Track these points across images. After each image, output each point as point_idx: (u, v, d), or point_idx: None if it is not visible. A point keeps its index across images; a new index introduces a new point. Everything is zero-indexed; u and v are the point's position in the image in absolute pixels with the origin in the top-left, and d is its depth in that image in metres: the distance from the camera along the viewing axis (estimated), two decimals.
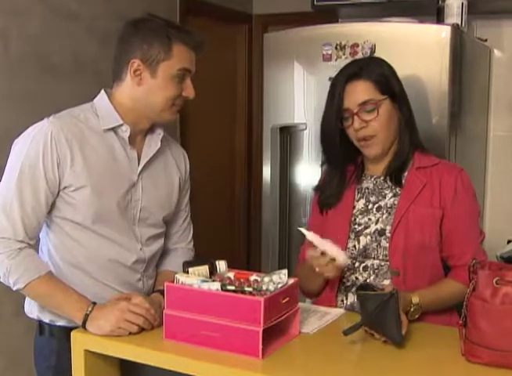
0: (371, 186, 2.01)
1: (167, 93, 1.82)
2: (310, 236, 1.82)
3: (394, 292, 1.60)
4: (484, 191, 3.13)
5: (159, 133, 1.94)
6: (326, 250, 1.79)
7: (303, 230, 1.84)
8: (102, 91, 1.90)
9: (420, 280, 1.90)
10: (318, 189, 2.10)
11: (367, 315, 1.61)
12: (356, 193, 2.02)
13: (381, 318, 1.58)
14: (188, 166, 2.09)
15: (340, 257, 1.80)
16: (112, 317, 1.66)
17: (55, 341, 1.88)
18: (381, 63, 1.99)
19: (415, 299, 1.79)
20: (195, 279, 1.62)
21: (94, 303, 1.72)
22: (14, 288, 1.75)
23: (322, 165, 2.12)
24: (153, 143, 1.93)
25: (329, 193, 2.04)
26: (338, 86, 1.94)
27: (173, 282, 1.64)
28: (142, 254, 1.91)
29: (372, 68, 1.94)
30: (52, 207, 1.81)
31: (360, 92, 1.91)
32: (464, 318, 1.54)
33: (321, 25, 2.81)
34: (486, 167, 3.15)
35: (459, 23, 2.74)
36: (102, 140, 1.84)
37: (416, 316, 1.79)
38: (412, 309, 1.78)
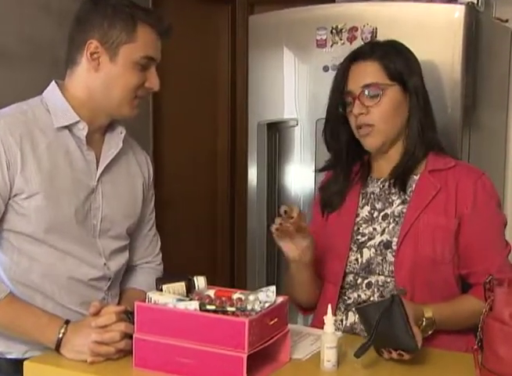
0: (377, 190, 2.02)
1: (127, 82, 1.82)
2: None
3: (394, 294, 1.62)
4: (503, 194, 3.13)
5: (120, 132, 1.93)
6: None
7: None
8: (53, 82, 1.89)
9: (431, 299, 1.90)
10: (321, 188, 2.12)
11: (372, 328, 1.62)
12: (360, 199, 2.03)
13: (388, 327, 1.60)
14: (151, 171, 2.09)
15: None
16: (88, 339, 1.65)
17: None
18: (401, 47, 2.00)
19: (428, 313, 1.80)
20: (170, 297, 1.62)
21: (67, 322, 1.72)
22: None
23: (317, 171, 2.13)
24: (113, 143, 1.92)
25: (333, 191, 2.05)
26: (343, 66, 1.97)
27: (144, 301, 1.63)
28: (106, 271, 1.91)
29: (386, 50, 1.96)
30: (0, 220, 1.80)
31: (365, 73, 1.93)
32: (480, 342, 1.53)
33: (314, 5, 2.83)
34: (506, 166, 3.15)
35: (475, 1, 2.75)
36: (55, 140, 1.83)
37: (430, 332, 1.80)
38: (424, 324, 1.79)
